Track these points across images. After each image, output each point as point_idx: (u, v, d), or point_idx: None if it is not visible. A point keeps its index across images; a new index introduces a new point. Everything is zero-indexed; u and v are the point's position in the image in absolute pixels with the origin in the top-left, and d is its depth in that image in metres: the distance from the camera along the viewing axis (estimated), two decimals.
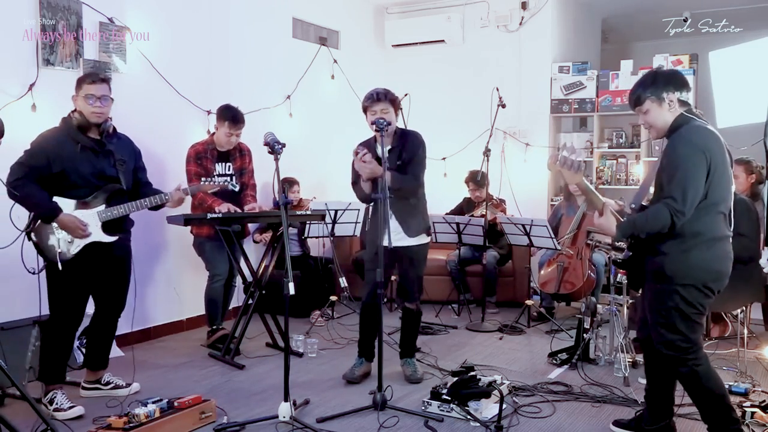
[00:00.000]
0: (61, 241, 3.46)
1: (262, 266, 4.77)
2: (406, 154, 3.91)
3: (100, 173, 3.56)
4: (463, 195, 6.44)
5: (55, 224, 3.43)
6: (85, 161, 3.50)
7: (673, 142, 2.85)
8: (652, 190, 3.04)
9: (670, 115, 2.89)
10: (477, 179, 5.96)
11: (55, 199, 3.45)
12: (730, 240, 2.91)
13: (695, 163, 2.74)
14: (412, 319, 4.12)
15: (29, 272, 3.42)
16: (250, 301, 4.64)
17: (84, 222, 3.48)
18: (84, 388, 3.81)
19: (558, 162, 2.78)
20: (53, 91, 4.26)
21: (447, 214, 6.03)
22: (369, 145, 3.95)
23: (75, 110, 3.54)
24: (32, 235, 3.44)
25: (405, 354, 4.16)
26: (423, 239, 4.04)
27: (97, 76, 3.58)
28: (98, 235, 3.55)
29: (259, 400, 3.74)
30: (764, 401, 3.51)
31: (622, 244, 3.16)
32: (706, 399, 2.89)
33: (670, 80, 2.90)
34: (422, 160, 3.96)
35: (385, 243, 3.45)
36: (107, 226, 3.57)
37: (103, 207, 3.56)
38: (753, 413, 3.34)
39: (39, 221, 3.43)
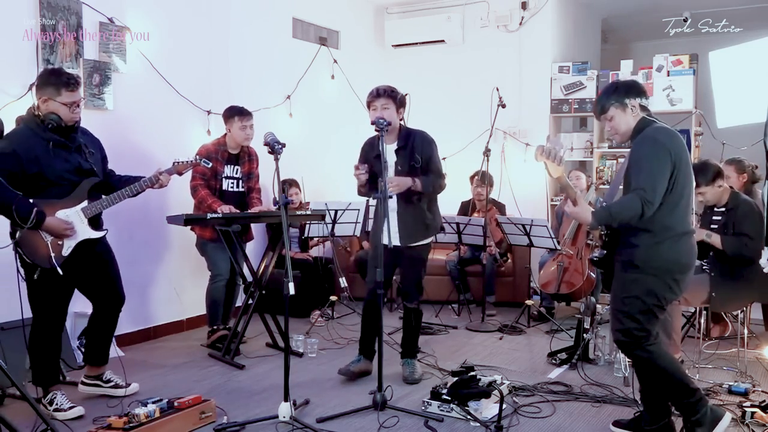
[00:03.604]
0: (51, 245, 3.36)
1: (262, 266, 4.78)
2: (420, 154, 3.94)
3: (77, 168, 3.47)
4: (463, 195, 6.44)
5: (41, 230, 3.30)
6: (59, 159, 3.39)
7: (639, 142, 3.00)
8: (621, 189, 3.17)
9: (633, 120, 3.06)
10: (481, 176, 5.95)
11: (34, 201, 3.29)
12: (694, 235, 3.09)
13: (660, 159, 2.90)
14: (414, 319, 4.11)
15: (24, 279, 3.35)
16: (250, 301, 4.64)
17: (69, 222, 3.40)
18: (84, 383, 3.76)
19: (543, 153, 2.94)
20: None
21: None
22: (372, 143, 3.96)
23: (44, 110, 3.35)
24: (20, 246, 3.29)
25: (406, 354, 4.15)
26: (426, 240, 4.05)
27: (75, 80, 3.42)
28: (87, 232, 3.48)
29: (259, 400, 3.74)
30: (764, 401, 3.51)
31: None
32: (664, 378, 3.02)
33: (631, 88, 3.10)
34: (438, 157, 4.08)
35: (385, 242, 3.46)
36: (92, 222, 3.52)
37: (86, 203, 3.48)
38: (753, 413, 3.34)
39: (23, 229, 3.23)
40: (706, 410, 2.98)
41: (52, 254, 3.35)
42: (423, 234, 4.04)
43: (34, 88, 3.45)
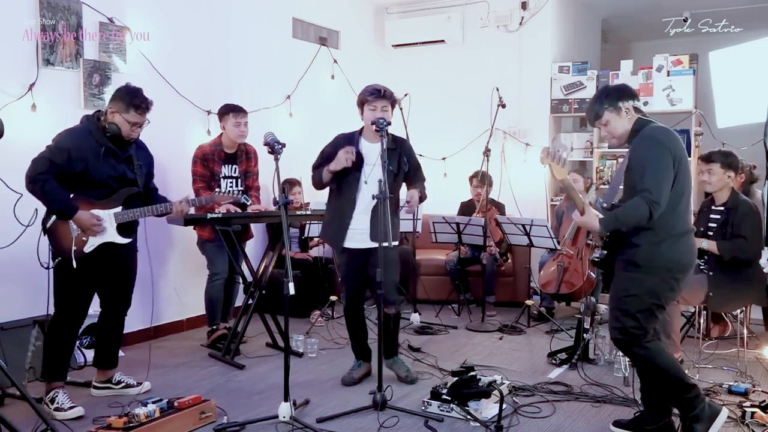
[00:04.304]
0: (75, 239, 3.47)
1: (262, 266, 4.78)
2: (406, 161, 3.93)
3: (121, 176, 3.60)
4: (462, 195, 6.44)
5: (71, 222, 3.45)
6: (106, 164, 3.52)
7: (638, 142, 3.00)
8: (621, 188, 3.15)
9: (628, 123, 3.06)
10: (481, 176, 5.94)
11: (74, 195, 3.47)
12: (693, 233, 3.11)
13: (663, 159, 2.90)
14: (393, 323, 4.04)
15: (43, 267, 3.44)
16: (250, 301, 4.65)
17: (100, 219, 3.51)
18: (96, 388, 3.82)
19: (548, 156, 2.95)
20: (53, 91, 4.27)
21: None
22: (349, 139, 3.93)
23: (109, 119, 3.52)
24: (47, 230, 3.47)
25: (389, 354, 4.07)
26: (395, 242, 3.99)
27: (146, 104, 3.54)
28: (112, 236, 3.57)
29: (259, 400, 3.74)
30: (764, 401, 3.51)
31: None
32: (662, 375, 3.04)
33: (623, 91, 3.09)
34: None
35: (385, 243, 3.45)
36: (121, 228, 3.60)
37: (120, 209, 3.59)
38: (753, 413, 3.34)
39: (55, 218, 3.45)
40: (704, 406, 3.01)
41: (74, 247, 3.47)
42: (393, 235, 3.91)
43: (108, 98, 3.64)
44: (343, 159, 3.76)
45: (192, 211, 4.66)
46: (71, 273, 3.48)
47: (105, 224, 3.53)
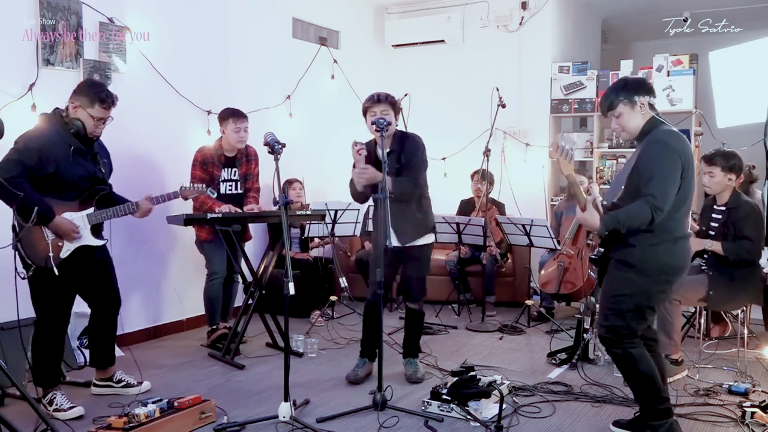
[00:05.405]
0: (51, 245, 3.38)
1: (262, 266, 4.78)
2: (404, 157, 3.91)
3: (91, 176, 3.53)
4: (462, 195, 6.44)
5: (45, 228, 3.35)
6: (77, 164, 3.44)
7: (648, 145, 2.97)
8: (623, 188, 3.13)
9: (641, 118, 3.03)
10: (482, 173, 5.94)
11: (47, 199, 3.35)
12: (689, 238, 3.11)
13: (671, 165, 2.89)
14: (415, 320, 4.12)
15: (20, 277, 3.32)
16: (250, 301, 4.65)
17: (77, 225, 3.45)
18: (96, 385, 3.80)
19: (558, 150, 2.96)
20: (53, 91, 4.26)
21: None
22: (369, 147, 3.96)
23: (73, 116, 3.43)
24: (20, 242, 3.31)
25: (408, 354, 4.16)
26: (427, 239, 4.04)
27: (112, 99, 3.47)
28: (88, 239, 3.52)
29: (259, 400, 3.74)
30: (764, 401, 3.51)
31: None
32: (638, 380, 3.07)
33: (641, 85, 3.06)
34: (421, 163, 3.93)
35: (387, 243, 3.46)
36: (94, 230, 3.55)
37: (92, 210, 3.52)
38: (753, 413, 3.34)
39: (26, 225, 3.26)
40: (669, 423, 3.05)
41: (51, 254, 3.37)
42: (416, 233, 3.97)
43: (71, 93, 3.50)
44: (355, 155, 3.80)
45: (188, 211, 4.66)
46: (49, 280, 3.38)
47: (81, 229, 3.45)
